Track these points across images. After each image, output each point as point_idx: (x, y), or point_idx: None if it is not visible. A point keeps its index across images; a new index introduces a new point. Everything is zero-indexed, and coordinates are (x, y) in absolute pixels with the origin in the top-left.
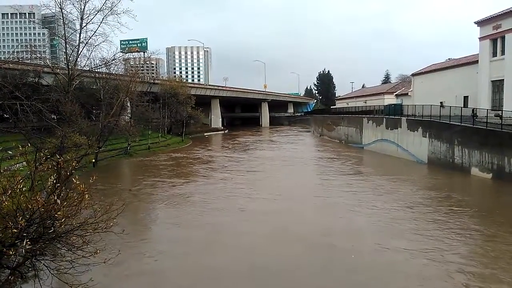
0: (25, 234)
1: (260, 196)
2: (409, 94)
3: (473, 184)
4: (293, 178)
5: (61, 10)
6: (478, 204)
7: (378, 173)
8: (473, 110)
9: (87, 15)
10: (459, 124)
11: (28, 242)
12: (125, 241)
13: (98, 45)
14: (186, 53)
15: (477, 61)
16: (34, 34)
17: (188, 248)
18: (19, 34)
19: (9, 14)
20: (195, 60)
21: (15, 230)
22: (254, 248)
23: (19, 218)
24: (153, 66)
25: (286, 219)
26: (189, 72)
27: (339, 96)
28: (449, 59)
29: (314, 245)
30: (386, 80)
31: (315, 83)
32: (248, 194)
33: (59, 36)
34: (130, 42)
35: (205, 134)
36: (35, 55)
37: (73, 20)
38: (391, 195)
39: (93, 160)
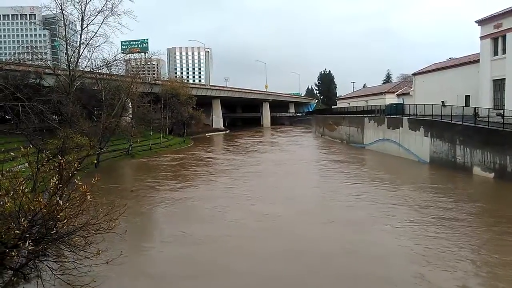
0: (27, 235)
1: (270, 208)
2: (410, 93)
3: (497, 190)
4: (302, 185)
5: (62, 11)
6: None
7: (389, 177)
8: (474, 110)
9: (88, 16)
10: (461, 123)
11: (31, 243)
12: (126, 241)
13: (99, 46)
14: (187, 53)
15: (478, 60)
16: (35, 35)
17: (184, 269)
18: (20, 35)
19: (10, 16)
20: (196, 61)
21: (18, 231)
22: (263, 276)
23: (21, 219)
24: (154, 67)
25: (305, 240)
26: (190, 73)
27: (340, 96)
28: (450, 58)
29: (342, 277)
30: (387, 79)
31: (316, 83)
32: (255, 204)
33: (60, 37)
34: (131, 43)
35: (206, 134)
36: (36, 57)
37: (74, 21)
38: (417, 207)
39: (95, 161)
